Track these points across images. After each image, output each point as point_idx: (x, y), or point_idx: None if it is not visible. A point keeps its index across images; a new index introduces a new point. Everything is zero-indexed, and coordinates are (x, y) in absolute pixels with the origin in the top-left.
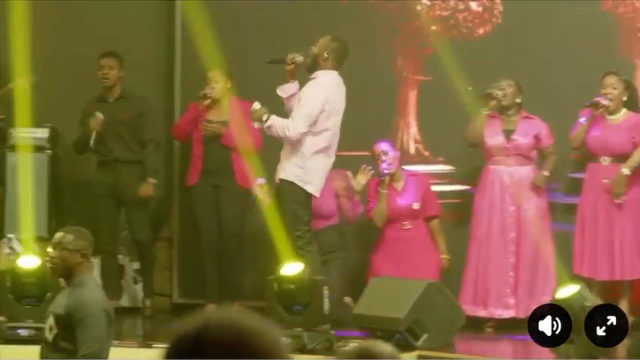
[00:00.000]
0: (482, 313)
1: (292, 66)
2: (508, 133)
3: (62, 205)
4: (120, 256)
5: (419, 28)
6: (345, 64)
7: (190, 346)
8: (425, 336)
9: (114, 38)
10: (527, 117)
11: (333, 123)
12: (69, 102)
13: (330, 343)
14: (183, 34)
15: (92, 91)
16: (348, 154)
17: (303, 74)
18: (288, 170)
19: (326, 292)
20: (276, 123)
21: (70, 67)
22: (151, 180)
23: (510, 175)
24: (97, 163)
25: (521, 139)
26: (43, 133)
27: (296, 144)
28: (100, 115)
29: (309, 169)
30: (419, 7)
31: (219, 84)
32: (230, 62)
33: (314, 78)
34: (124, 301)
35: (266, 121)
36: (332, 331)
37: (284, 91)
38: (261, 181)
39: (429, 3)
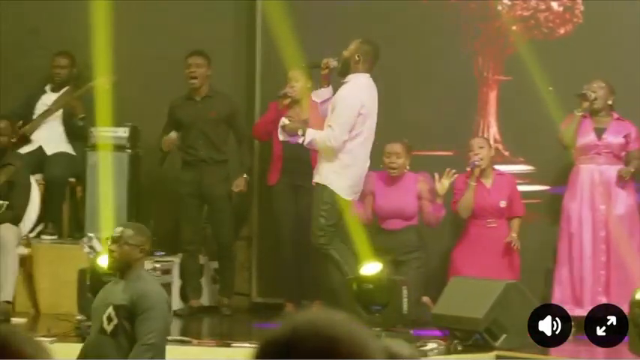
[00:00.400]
0: (578, 312)
1: (327, 70)
2: (599, 132)
3: (142, 204)
4: (199, 256)
5: (500, 28)
6: (427, 64)
7: (279, 352)
8: (504, 336)
9: (194, 38)
10: (618, 119)
11: (368, 126)
12: (150, 101)
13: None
14: (264, 34)
15: (173, 89)
16: (428, 154)
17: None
18: (324, 175)
19: (405, 292)
20: (316, 137)
21: (150, 67)
22: (245, 176)
23: (600, 173)
24: (181, 162)
25: (612, 137)
26: (123, 132)
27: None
28: (173, 136)
29: (344, 174)
30: (500, 8)
31: (299, 83)
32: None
33: (346, 82)
34: (203, 300)
35: (303, 135)
36: (410, 331)
37: (318, 96)
38: None
39: (509, 3)
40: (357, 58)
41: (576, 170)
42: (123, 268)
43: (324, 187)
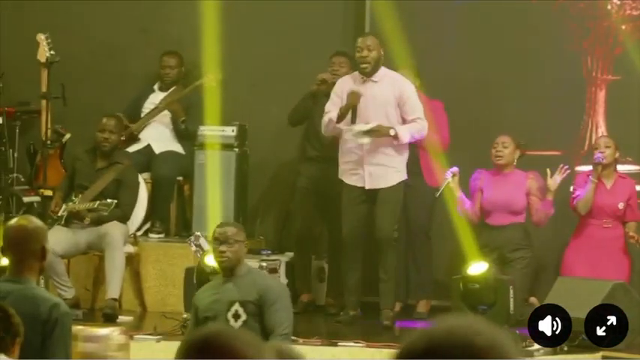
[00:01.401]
0: None
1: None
2: None
3: (249, 202)
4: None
5: (609, 27)
6: (535, 64)
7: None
8: None
9: (302, 37)
10: None
11: None
12: (257, 100)
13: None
14: (373, 33)
15: (280, 88)
16: (536, 154)
17: None
18: (402, 170)
19: (511, 291)
20: (412, 131)
21: (257, 66)
22: None
23: None
24: (303, 156)
25: None
26: (231, 131)
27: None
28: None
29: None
30: (609, 7)
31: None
32: (419, 60)
33: (379, 79)
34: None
35: (395, 135)
36: (517, 331)
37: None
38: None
39: (619, 2)
40: (382, 52)
41: None
42: (235, 265)
43: (404, 181)
